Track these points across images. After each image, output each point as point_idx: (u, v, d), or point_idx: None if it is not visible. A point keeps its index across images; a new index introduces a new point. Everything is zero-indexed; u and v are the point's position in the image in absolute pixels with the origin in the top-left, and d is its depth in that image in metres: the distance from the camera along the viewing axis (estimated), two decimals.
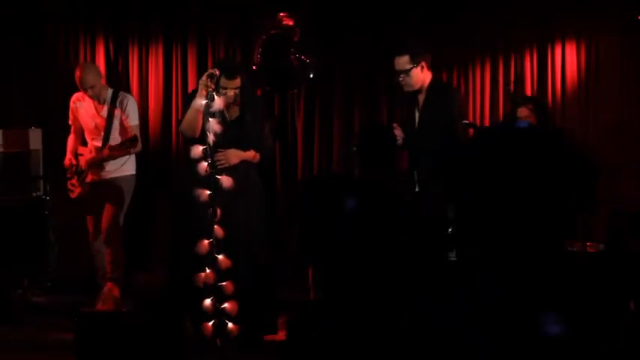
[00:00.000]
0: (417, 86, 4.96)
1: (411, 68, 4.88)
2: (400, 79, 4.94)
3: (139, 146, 5.65)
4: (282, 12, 5.86)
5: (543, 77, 6.78)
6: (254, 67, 5.92)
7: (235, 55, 7.09)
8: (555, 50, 6.74)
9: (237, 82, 4.66)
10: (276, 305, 5.04)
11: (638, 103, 6.52)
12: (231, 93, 4.65)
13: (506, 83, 6.81)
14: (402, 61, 4.90)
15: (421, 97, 5.03)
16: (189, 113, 4.61)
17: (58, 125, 6.54)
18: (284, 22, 5.82)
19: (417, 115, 5.05)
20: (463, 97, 4.97)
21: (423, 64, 4.93)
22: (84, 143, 5.89)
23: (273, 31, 5.85)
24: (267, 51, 5.86)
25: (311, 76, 5.93)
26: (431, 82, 4.99)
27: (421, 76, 4.94)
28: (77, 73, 5.68)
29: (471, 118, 6.85)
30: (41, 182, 6.28)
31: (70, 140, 5.91)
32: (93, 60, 7.00)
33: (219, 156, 4.64)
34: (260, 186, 4.96)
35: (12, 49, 6.83)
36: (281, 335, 4.98)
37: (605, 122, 6.57)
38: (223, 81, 4.59)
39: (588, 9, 6.61)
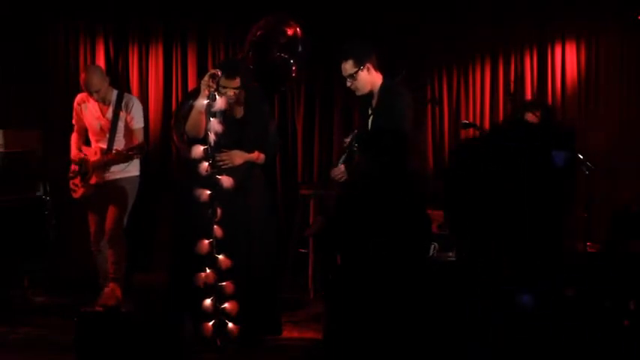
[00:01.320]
0: (367, 89, 4.84)
1: (357, 71, 4.78)
2: (349, 84, 4.85)
3: (145, 151, 5.66)
4: (288, 17, 5.87)
5: (543, 77, 6.78)
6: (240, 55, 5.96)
7: (235, 55, 7.09)
8: (555, 50, 6.75)
9: (237, 82, 4.66)
10: (278, 305, 5.04)
11: (638, 103, 6.52)
12: (230, 93, 4.65)
13: (507, 83, 6.82)
14: (348, 66, 4.81)
15: (374, 101, 4.91)
16: (193, 114, 4.60)
17: (58, 125, 6.54)
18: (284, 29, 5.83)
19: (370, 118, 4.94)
20: (411, 99, 4.84)
21: (369, 66, 4.79)
22: (87, 143, 5.89)
23: (260, 32, 5.86)
24: (255, 49, 5.88)
25: (293, 74, 5.93)
26: (381, 85, 4.85)
27: (369, 78, 4.82)
28: (82, 77, 5.67)
29: (471, 118, 6.87)
30: (41, 182, 6.28)
31: (74, 138, 5.90)
32: (93, 60, 7.01)
33: (223, 157, 4.64)
34: (263, 186, 4.95)
35: (12, 50, 6.83)
36: (285, 335, 4.99)
37: (605, 122, 6.58)
38: (223, 81, 4.59)
39: (588, 9, 6.62)
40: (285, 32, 5.87)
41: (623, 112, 6.55)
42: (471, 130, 6.72)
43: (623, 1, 6.46)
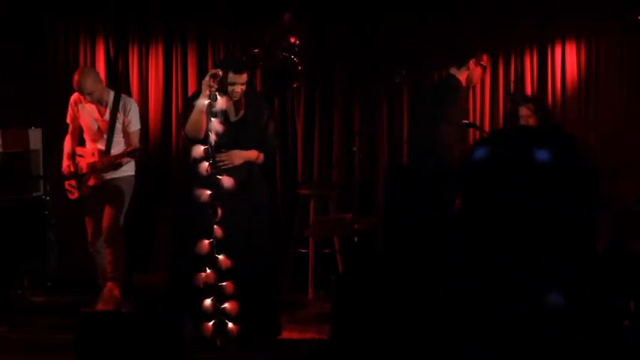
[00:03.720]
0: None
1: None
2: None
3: (144, 154, 5.66)
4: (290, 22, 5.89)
5: (543, 77, 6.78)
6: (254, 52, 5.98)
7: (243, 53, 7.08)
8: (555, 50, 6.74)
9: (245, 77, 4.65)
10: (278, 305, 5.03)
11: (638, 103, 6.52)
12: (238, 89, 4.63)
13: (507, 83, 6.82)
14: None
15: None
16: (194, 114, 4.60)
17: (58, 125, 6.53)
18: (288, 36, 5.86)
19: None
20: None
21: None
22: (81, 143, 5.88)
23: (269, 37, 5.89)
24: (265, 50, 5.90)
25: (295, 85, 5.97)
26: None
27: None
28: (75, 78, 5.64)
29: (471, 118, 6.86)
30: (41, 182, 6.28)
31: (67, 142, 5.88)
32: (93, 60, 7.01)
33: (223, 157, 4.63)
34: (263, 186, 4.95)
35: (12, 50, 6.83)
36: (285, 335, 4.98)
37: (605, 122, 6.57)
38: (231, 76, 4.58)
39: (588, 9, 6.61)
40: (289, 39, 5.92)
41: (623, 112, 6.54)
42: (470, 130, 6.73)
43: (623, 1, 6.45)
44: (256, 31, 6.59)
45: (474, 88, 6.99)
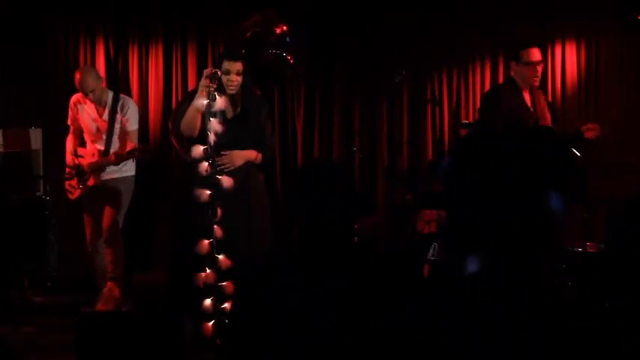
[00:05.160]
0: None
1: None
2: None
3: (148, 153, 5.65)
4: (276, 13, 5.86)
5: (543, 77, 6.75)
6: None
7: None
8: (555, 50, 6.75)
9: (240, 65, 4.62)
10: (278, 305, 5.03)
11: (638, 103, 6.52)
12: (233, 78, 4.60)
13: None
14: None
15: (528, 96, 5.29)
16: (189, 113, 4.58)
17: (58, 125, 6.54)
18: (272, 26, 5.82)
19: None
20: None
21: None
22: (82, 144, 5.88)
23: (249, 31, 5.86)
24: (247, 48, 5.87)
25: (291, 61, 5.92)
26: None
27: None
28: (77, 77, 5.64)
29: (471, 118, 6.87)
30: (41, 182, 6.28)
31: (69, 141, 5.89)
32: (93, 59, 7.01)
33: (224, 159, 4.61)
34: (263, 186, 4.95)
35: (12, 50, 6.83)
36: None
37: (605, 122, 6.57)
38: (226, 63, 4.56)
39: (588, 9, 6.62)
40: (274, 31, 5.86)
41: (623, 112, 6.55)
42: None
43: (623, 1, 6.46)
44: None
45: (473, 88, 7.02)
